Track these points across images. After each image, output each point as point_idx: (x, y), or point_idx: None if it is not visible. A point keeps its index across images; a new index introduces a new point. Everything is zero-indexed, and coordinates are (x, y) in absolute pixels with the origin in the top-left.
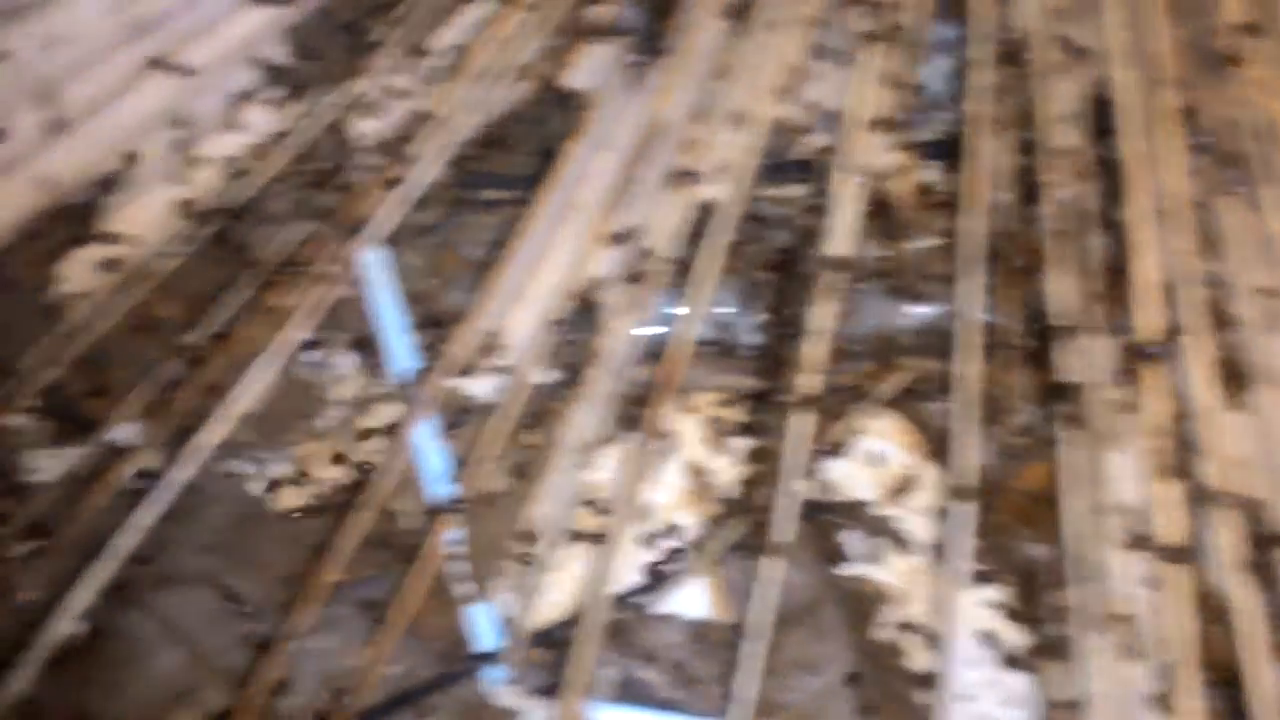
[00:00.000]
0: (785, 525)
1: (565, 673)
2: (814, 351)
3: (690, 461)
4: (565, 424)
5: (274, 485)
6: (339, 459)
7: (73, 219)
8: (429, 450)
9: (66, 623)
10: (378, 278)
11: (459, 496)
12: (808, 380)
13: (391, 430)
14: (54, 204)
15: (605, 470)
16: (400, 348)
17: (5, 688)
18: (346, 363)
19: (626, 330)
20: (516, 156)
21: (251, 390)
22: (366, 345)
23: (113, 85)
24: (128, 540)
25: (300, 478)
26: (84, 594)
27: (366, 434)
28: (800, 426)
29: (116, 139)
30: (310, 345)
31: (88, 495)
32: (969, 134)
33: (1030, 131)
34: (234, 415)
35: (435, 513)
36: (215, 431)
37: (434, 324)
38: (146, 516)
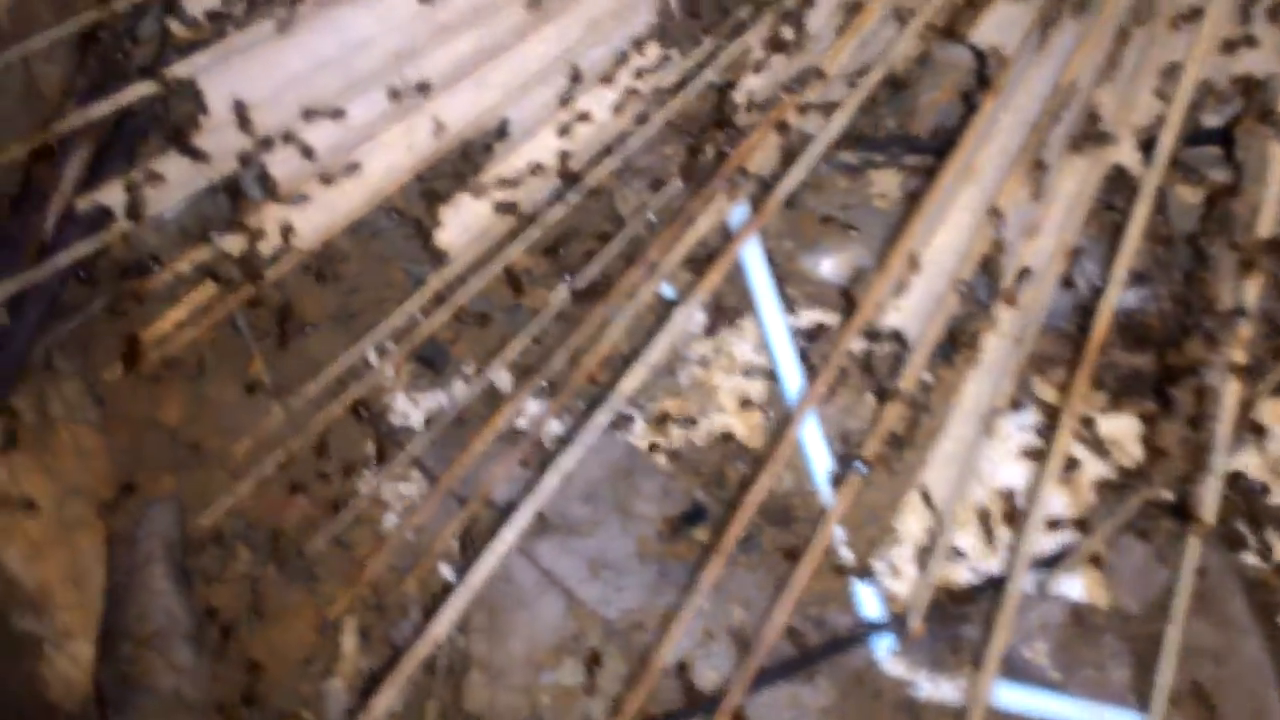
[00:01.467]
0: (1207, 506)
1: (978, 648)
2: (1228, 328)
3: (1079, 437)
4: (961, 393)
5: (644, 438)
6: (702, 418)
7: (461, 165)
8: (808, 418)
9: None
10: (747, 238)
11: (849, 465)
12: (1227, 356)
13: (765, 394)
14: (445, 149)
15: (1003, 443)
16: (771, 311)
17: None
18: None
19: (1030, 298)
20: (903, 118)
21: (619, 344)
22: (733, 306)
23: (503, 36)
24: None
25: (668, 434)
26: (508, 538)
27: (736, 397)
28: (1222, 404)
29: (507, 87)
30: (678, 303)
31: (465, 440)
32: None
33: None
34: (605, 368)
35: (834, 480)
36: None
37: (784, 283)
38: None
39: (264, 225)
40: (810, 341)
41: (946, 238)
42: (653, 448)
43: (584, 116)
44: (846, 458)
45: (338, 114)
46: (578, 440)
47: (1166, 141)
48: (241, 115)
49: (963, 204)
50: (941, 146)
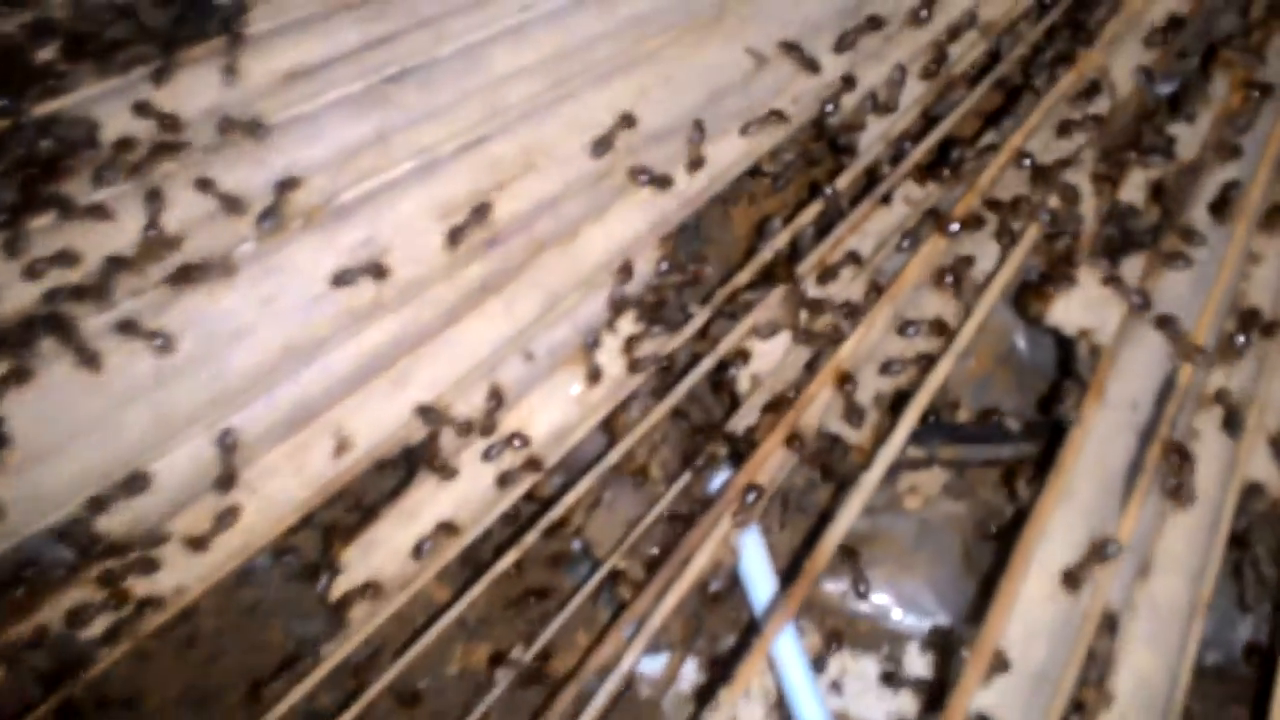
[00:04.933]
0: None
1: None
2: None
3: None
4: None
5: None
6: None
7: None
8: None
9: None
10: (756, 568)
11: None
12: None
13: None
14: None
15: None
16: (795, 664)
17: None
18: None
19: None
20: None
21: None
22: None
23: (430, 320)
24: None
25: None
26: None
27: None
28: None
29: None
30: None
31: None
32: None
33: None
34: None
35: None
36: None
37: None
38: None
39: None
40: None
41: (1034, 585)
42: None
43: (521, 438)
44: None
45: (226, 437)
46: None
47: None
48: None
49: (1054, 533)
50: (989, 435)
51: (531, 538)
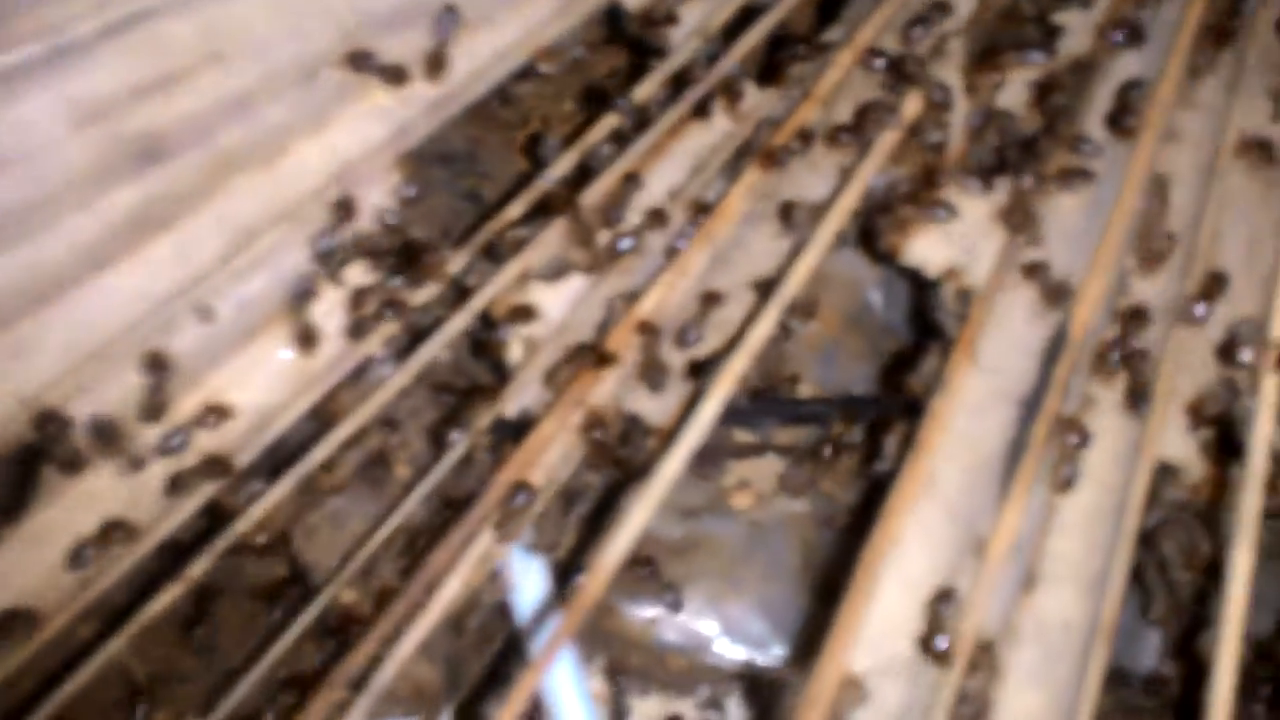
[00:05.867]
0: None
1: None
2: None
3: None
4: None
5: None
6: None
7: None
8: None
9: None
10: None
11: None
12: None
13: None
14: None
15: None
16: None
17: None
18: None
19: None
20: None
21: None
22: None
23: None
24: None
25: None
26: None
27: None
28: None
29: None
30: None
31: None
32: None
33: None
34: None
35: None
36: None
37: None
38: None
39: None
40: None
41: (888, 607)
42: None
43: (218, 411)
44: None
45: None
46: None
47: None
48: None
49: (913, 537)
50: (834, 413)
51: (200, 565)
